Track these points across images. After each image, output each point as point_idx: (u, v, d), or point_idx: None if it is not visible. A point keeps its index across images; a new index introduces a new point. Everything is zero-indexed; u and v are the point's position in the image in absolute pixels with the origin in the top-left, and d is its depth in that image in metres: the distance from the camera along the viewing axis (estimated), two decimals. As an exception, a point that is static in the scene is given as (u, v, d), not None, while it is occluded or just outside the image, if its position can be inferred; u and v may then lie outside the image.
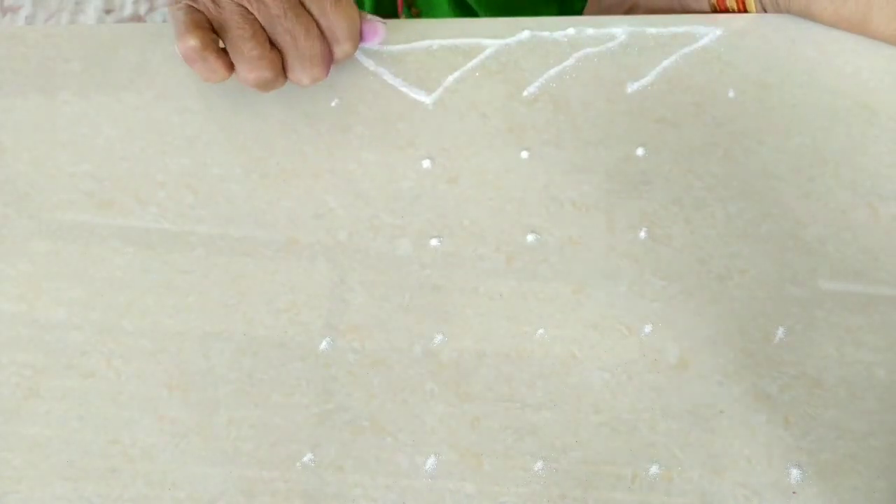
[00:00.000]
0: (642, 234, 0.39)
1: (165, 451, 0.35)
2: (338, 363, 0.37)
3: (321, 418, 0.36)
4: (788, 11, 0.43)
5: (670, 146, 0.40)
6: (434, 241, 0.39)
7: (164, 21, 0.66)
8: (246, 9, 0.38)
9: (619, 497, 0.34)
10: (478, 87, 0.42)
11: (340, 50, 0.40)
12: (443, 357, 0.37)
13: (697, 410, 0.35)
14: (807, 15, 0.42)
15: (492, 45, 0.43)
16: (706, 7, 0.46)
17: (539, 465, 0.35)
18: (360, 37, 0.42)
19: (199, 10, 0.38)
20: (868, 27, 0.41)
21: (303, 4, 0.39)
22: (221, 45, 0.39)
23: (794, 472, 0.34)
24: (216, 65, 0.38)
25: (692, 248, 0.39)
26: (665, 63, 0.42)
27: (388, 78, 0.43)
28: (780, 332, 0.37)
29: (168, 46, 0.44)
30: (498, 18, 0.44)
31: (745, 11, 0.45)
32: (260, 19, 0.38)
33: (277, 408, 0.36)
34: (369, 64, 0.43)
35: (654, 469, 0.34)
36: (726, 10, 0.45)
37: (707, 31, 0.43)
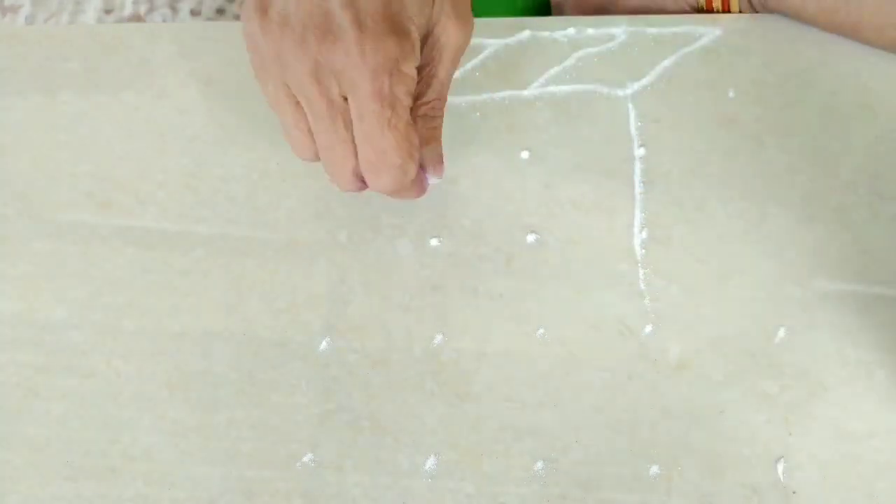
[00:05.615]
0: (642, 234, 0.39)
1: (165, 451, 0.35)
2: (338, 363, 0.37)
3: (321, 418, 0.36)
4: (778, 11, 0.43)
5: (670, 146, 0.40)
6: (434, 241, 0.39)
7: (164, 21, 0.66)
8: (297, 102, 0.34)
9: (619, 497, 0.34)
10: (478, 87, 0.42)
11: (374, 183, 0.35)
12: (443, 357, 0.37)
13: (697, 410, 0.35)
14: (798, 18, 0.42)
15: (492, 45, 0.43)
16: (684, 7, 0.46)
17: (539, 465, 0.35)
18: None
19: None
20: (859, 34, 0.41)
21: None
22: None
23: (794, 472, 0.34)
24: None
25: (692, 248, 0.39)
26: (665, 63, 0.42)
27: (388, 78, 0.43)
28: (781, 332, 0.37)
29: (168, 46, 0.44)
30: (498, 18, 0.44)
31: (729, 12, 0.44)
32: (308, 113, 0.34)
33: (277, 408, 0.36)
34: (369, 64, 0.43)
35: (654, 469, 0.34)
36: (711, 10, 0.45)
37: (707, 30, 0.43)
